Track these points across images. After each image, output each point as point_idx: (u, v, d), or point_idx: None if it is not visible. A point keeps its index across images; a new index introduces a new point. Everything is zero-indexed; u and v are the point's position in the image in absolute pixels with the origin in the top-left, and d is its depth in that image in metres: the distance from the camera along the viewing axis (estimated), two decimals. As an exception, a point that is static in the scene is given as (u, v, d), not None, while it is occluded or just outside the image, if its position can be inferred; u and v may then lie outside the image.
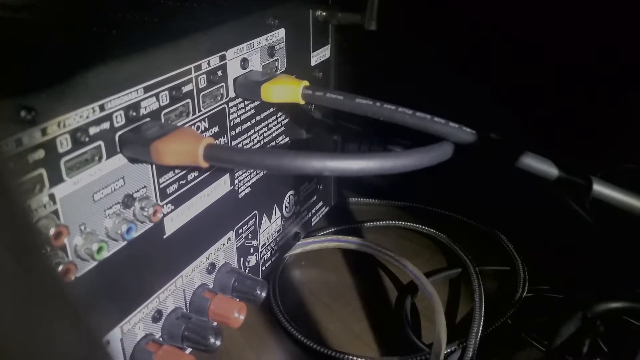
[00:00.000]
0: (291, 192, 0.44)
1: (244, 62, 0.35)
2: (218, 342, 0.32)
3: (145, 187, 0.30)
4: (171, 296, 0.33)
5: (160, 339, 0.33)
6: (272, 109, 0.39)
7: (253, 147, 0.38)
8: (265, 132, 0.39)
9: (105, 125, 0.27)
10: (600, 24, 0.42)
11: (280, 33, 0.38)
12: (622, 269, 0.39)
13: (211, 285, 0.36)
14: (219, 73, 0.33)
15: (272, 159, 0.27)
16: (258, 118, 0.38)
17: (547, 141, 0.36)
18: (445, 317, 0.38)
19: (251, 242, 0.40)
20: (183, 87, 0.31)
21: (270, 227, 0.42)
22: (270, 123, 0.39)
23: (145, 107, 0.29)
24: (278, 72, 0.38)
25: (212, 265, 0.36)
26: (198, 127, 0.32)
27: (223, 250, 0.37)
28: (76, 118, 0.25)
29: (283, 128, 0.41)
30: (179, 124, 0.31)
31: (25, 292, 0.19)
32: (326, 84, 0.45)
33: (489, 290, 0.42)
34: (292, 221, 0.45)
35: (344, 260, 0.47)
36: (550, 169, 0.33)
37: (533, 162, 0.32)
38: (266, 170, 0.38)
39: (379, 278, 0.45)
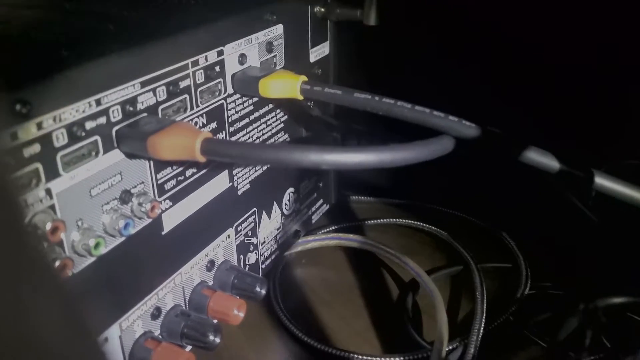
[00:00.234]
0: (291, 189, 0.43)
1: (242, 58, 0.35)
2: (218, 340, 0.32)
3: (142, 182, 0.29)
4: (170, 293, 0.33)
5: (160, 337, 0.32)
6: (270, 106, 0.39)
7: (252, 144, 0.37)
8: (264, 128, 0.38)
9: (102, 119, 0.26)
10: (602, 19, 0.42)
11: (279, 29, 0.37)
12: (625, 265, 0.39)
13: (211, 283, 0.36)
14: (217, 68, 0.33)
15: (269, 152, 0.26)
16: (257, 114, 0.37)
17: (548, 137, 0.35)
18: (446, 314, 0.37)
19: (251, 240, 0.39)
20: (180, 83, 0.30)
21: (270, 225, 0.42)
22: (269, 119, 0.39)
23: (142, 102, 0.28)
24: (276, 68, 0.38)
25: (212, 262, 0.36)
26: (196, 123, 0.32)
27: (222, 248, 0.37)
28: (72, 112, 0.25)
29: (282, 125, 0.40)
30: (176, 120, 0.31)
31: (19, 287, 0.19)
32: (325, 80, 0.45)
33: (491, 287, 0.41)
34: (292, 219, 0.45)
35: (345, 258, 0.47)
36: (551, 162, 0.32)
37: (534, 155, 0.32)
38: (264, 163, 0.38)
39: (380, 276, 0.45)
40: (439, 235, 0.48)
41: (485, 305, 0.38)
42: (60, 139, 0.25)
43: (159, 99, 0.29)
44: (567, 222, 0.40)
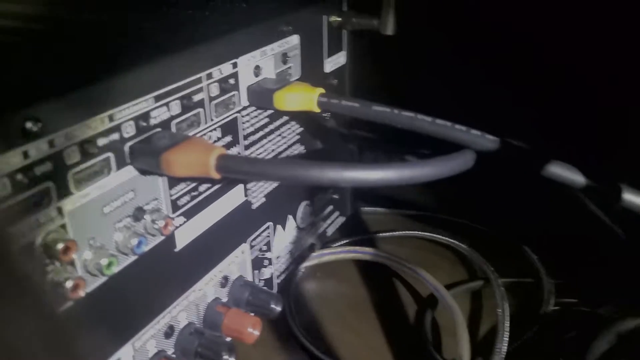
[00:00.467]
0: (306, 202, 0.43)
1: (257, 70, 0.34)
2: (232, 359, 0.31)
3: (156, 199, 0.29)
4: (184, 311, 0.32)
5: (173, 356, 0.32)
6: (286, 118, 0.38)
7: (266, 157, 0.37)
8: (279, 141, 0.38)
9: (115, 136, 0.26)
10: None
11: (294, 40, 0.37)
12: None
13: (225, 299, 0.35)
14: (231, 81, 0.32)
15: (286, 170, 0.26)
16: (272, 127, 0.37)
17: (572, 145, 0.34)
18: (467, 331, 0.36)
19: (265, 254, 0.39)
20: (194, 96, 0.30)
21: (284, 239, 0.41)
22: (284, 132, 0.38)
23: (156, 117, 0.28)
24: (292, 80, 0.37)
25: (226, 278, 0.35)
26: (210, 137, 0.32)
27: (236, 263, 0.36)
28: (84, 129, 0.24)
29: (297, 137, 0.40)
30: (190, 134, 0.30)
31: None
32: (341, 91, 0.44)
33: (513, 303, 0.40)
34: (307, 232, 0.44)
35: (361, 272, 0.46)
36: (576, 176, 0.31)
37: (558, 169, 0.31)
38: (281, 181, 0.37)
39: (397, 290, 0.44)
40: (457, 249, 0.47)
41: (508, 322, 0.37)
42: (72, 156, 0.24)
43: (173, 114, 0.29)
44: (592, 236, 0.39)
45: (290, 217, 0.41)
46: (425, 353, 0.37)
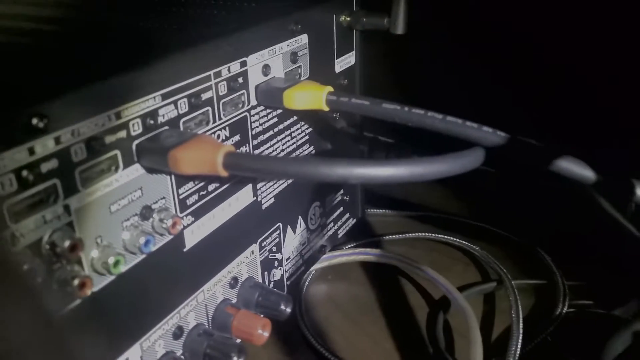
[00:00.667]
0: (316, 203, 0.42)
1: (266, 69, 0.34)
2: (241, 361, 0.31)
3: (164, 198, 0.29)
4: (192, 312, 0.32)
5: (182, 357, 0.31)
6: (295, 117, 0.37)
7: (276, 157, 0.36)
8: (288, 141, 0.37)
9: (122, 133, 0.26)
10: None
11: (303, 39, 0.36)
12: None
13: (234, 300, 0.35)
14: (240, 80, 0.32)
15: (294, 166, 0.25)
16: (281, 126, 0.36)
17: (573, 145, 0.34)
18: (480, 334, 0.36)
19: (275, 256, 0.38)
20: (202, 95, 0.30)
21: (295, 240, 0.40)
22: (293, 132, 0.38)
23: (163, 115, 0.28)
24: (301, 79, 0.37)
25: (235, 279, 0.35)
26: (219, 136, 0.31)
27: (246, 264, 0.36)
28: (91, 126, 0.24)
29: (307, 137, 0.39)
30: (198, 133, 0.30)
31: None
32: (351, 91, 0.43)
33: (526, 305, 0.40)
34: (318, 233, 0.43)
35: (372, 274, 0.45)
36: (589, 173, 0.31)
37: (571, 166, 0.30)
38: (289, 178, 0.37)
39: (409, 293, 0.43)
40: (470, 250, 0.46)
41: (521, 324, 0.36)
42: (78, 153, 0.24)
43: (181, 112, 0.29)
44: (606, 236, 0.38)
45: (300, 218, 0.41)
46: (438, 356, 0.37)
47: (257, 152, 0.35)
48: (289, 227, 0.39)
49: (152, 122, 0.27)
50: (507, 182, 0.43)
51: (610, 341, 0.32)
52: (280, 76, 0.35)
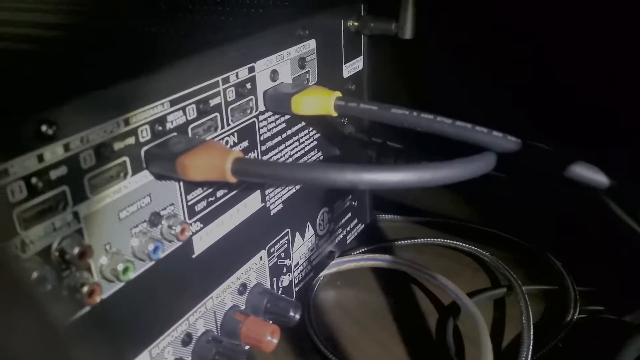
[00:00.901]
0: (325, 209, 0.42)
1: (274, 74, 0.34)
2: (250, 367, 0.31)
3: (172, 204, 0.29)
4: (201, 318, 0.32)
5: (190, 364, 0.31)
6: (303, 123, 0.37)
7: (284, 163, 0.36)
8: (296, 146, 0.37)
9: (131, 140, 0.26)
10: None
11: (311, 44, 0.36)
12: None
13: (243, 307, 0.35)
14: (248, 85, 0.32)
15: (303, 172, 0.25)
16: (289, 132, 0.36)
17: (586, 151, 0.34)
18: (490, 340, 0.35)
19: (284, 262, 0.38)
20: (211, 101, 0.30)
21: (303, 246, 0.40)
22: (301, 137, 0.38)
23: (172, 122, 0.28)
24: (309, 85, 0.37)
25: (244, 285, 0.35)
26: (227, 142, 0.31)
27: (255, 270, 0.35)
28: (100, 133, 0.24)
29: (315, 142, 0.39)
30: (207, 139, 0.30)
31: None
32: (359, 96, 0.43)
33: (537, 311, 0.39)
34: (326, 239, 0.43)
35: (381, 280, 0.45)
36: (601, 178, 0.30)
37: (582, 171, 0.30)
38: (298, 184, 0.36)
39: (419, 298, 0.43)
40: (479, 256, 0.46)
41: (532, 330, 0.36)
42: (87, 160, 0.24)
43: (189, 118, 0.29)
44: (618, 241, 0.38)
45: (309, 224, 0.40)
46: (448, 362, 0.36)
47: (265, 157, 0.35)
48: (297, 233, 0.39)
49: (160, 128, 0.27)
50: (517, 187, 0.43)
51: (622, 348, 0.31)
52: (288, 81, 0.35)
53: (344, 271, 0.45)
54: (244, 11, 0.38)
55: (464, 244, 0.47)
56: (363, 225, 0.48)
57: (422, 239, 0.48)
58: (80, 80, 0.25)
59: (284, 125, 0.36)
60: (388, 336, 0.39)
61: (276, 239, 0.37)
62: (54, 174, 0.23)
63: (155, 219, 0.28)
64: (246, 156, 0.33)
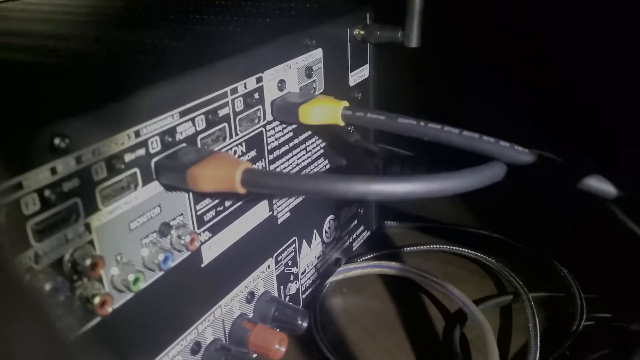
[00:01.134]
0: (331, 216, 0.42)
1: (281, 84, 0.34)
2: (258, 376, 0.31)
3: (182, 214, 0.29)
4: (210, 327, 0.32)
5: (199, 373, 0.31)
6: (310, 132, 0.38)
7: (291, 171, 0.37)
8: (303, 155, 0.37)
9: (141, 151, 0.26)
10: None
11: (318, 53, 0.37)
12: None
13: (251, 315, 0.35)
14: (256, 95, 0.32)
15: (312, 184, 0.25)
16: (296, 141, 0.36)
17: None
18: (497, 347, 0.35)
19: (291, 269, 0.38)
20: (219, 111, 0.30)
21: (310, 254, 0.40)
22: (308, 146, 0.38)
23: (181, 132, 0.28)
24: (316, 94, 0.37)
25: (252, 294, 0.35)
26: (235, 152, 0.32)
27: (262, 278, 0.36)
28: (111, 145, 0.24)
29: (322, 151, 0.39)
30: (215, 149, 0.30)
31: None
32: (365, 104, 0.43)
33: (544, 318, 0.39)
34: (333, 247, 0.43)
35: (388, 287, 0.45)
36: (609, 188, 0.30)
37: (590, 181, 0.30)
38: (306, 195, 0.37)
39: (425, 306, 0.43)
40: (486, 263, 0.46)
41: (539, 338, 0.36)
42: (99, 172, 0.24)
43: (198, 129, 0.29)
44: (624, 250, 0.38)
45: (315, 231, 0.41)
46: (455, 370, 0.36)
47: (272, 167, 0.35)
48: (304, 240, 0.39)
49: (170, 139, 0.27)
50: (523, 194, 0.43)
51: (632, 357, 0.31)
52: (295, 91, 0.35)
53: (351, 278, 0.46)
54: (251, 21, 0.38)
55: (470, 251, 0.47)
56: (369, 232, 0.48)
57: (428, 246, 0.49)
58: (91, 93, 0.25)
59: (291, 134, 0.36)
60: (395, 343, 0.40)
61: (283, 247, 0.37)
62: (66, 187, 0.23)
63: (165, 229, 0.28)
64: (254, 166, 0.33)
